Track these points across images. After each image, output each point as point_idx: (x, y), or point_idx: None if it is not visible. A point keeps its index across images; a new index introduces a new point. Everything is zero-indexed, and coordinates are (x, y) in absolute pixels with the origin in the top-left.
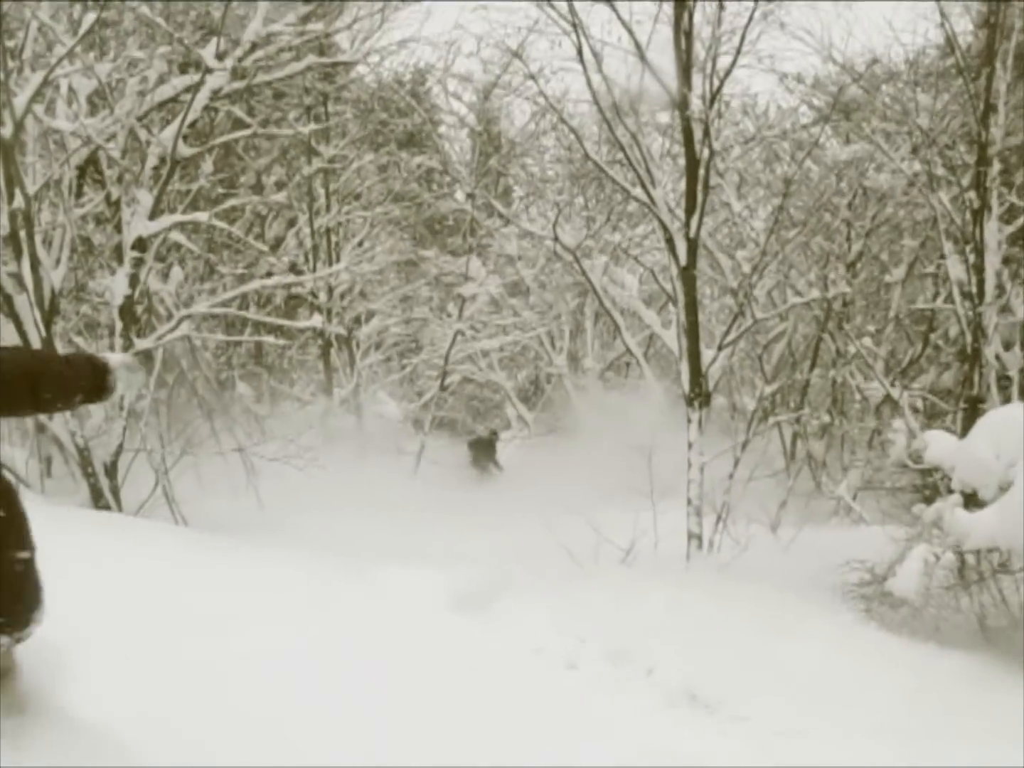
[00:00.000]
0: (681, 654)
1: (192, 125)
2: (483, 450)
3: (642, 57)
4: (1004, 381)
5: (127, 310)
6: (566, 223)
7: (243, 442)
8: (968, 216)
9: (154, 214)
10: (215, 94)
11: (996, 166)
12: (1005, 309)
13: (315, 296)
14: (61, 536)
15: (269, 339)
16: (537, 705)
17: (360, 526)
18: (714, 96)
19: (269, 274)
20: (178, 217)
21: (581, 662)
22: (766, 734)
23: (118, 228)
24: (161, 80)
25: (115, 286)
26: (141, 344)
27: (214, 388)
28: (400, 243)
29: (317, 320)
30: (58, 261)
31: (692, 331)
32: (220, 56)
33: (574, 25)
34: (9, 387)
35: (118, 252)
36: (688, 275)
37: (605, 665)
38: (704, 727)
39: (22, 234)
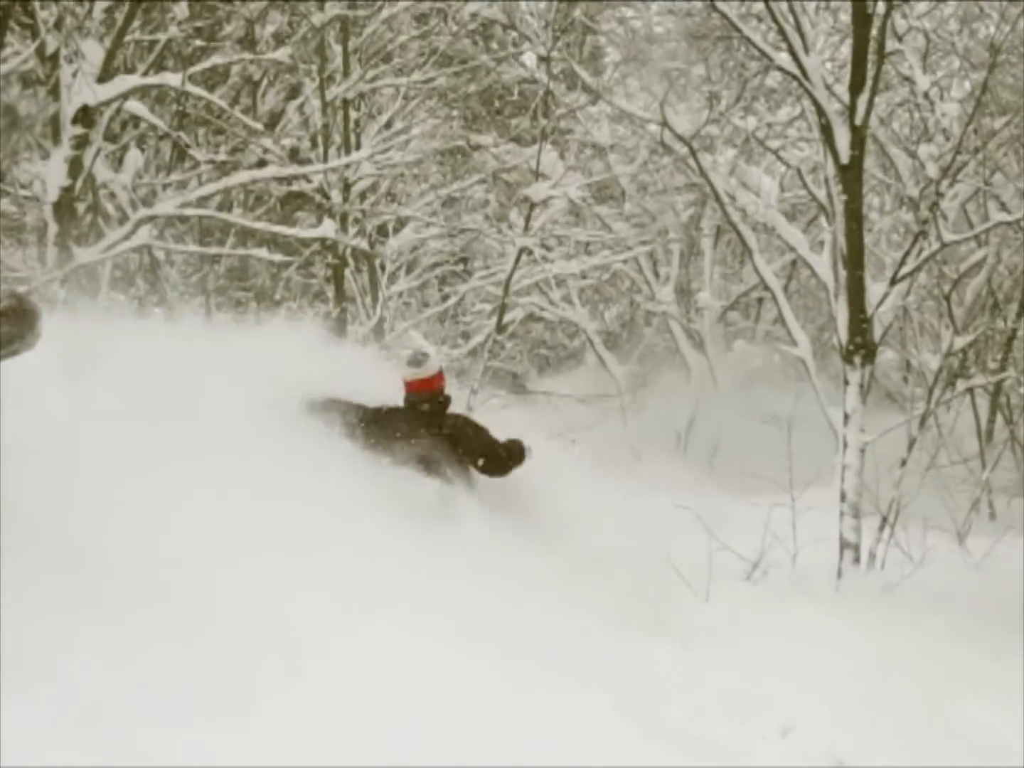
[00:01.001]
0: (827, 709)
1: None
2: None
3: None
4: None
5: (65, 208)
6: (679, 102)
7: None
8: None
9: (105, 75)
10: None
11: None
12: None
13: (325, 195)
14: None
15: (259, 253)
16: None
17: (380, 521)
18: None
19: (262, 163)
20: (138, 80)
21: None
22: None
23: (55, 94)
24: None
25: (49, 174)
26: (83, 255)
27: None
28: (445, 124)
29: (327, 228)
30: None
31: (854, 257)
32: None
33: None
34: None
35: (54, 127)
36: (851, 178)
37: (723, 721)
38: None
39: None
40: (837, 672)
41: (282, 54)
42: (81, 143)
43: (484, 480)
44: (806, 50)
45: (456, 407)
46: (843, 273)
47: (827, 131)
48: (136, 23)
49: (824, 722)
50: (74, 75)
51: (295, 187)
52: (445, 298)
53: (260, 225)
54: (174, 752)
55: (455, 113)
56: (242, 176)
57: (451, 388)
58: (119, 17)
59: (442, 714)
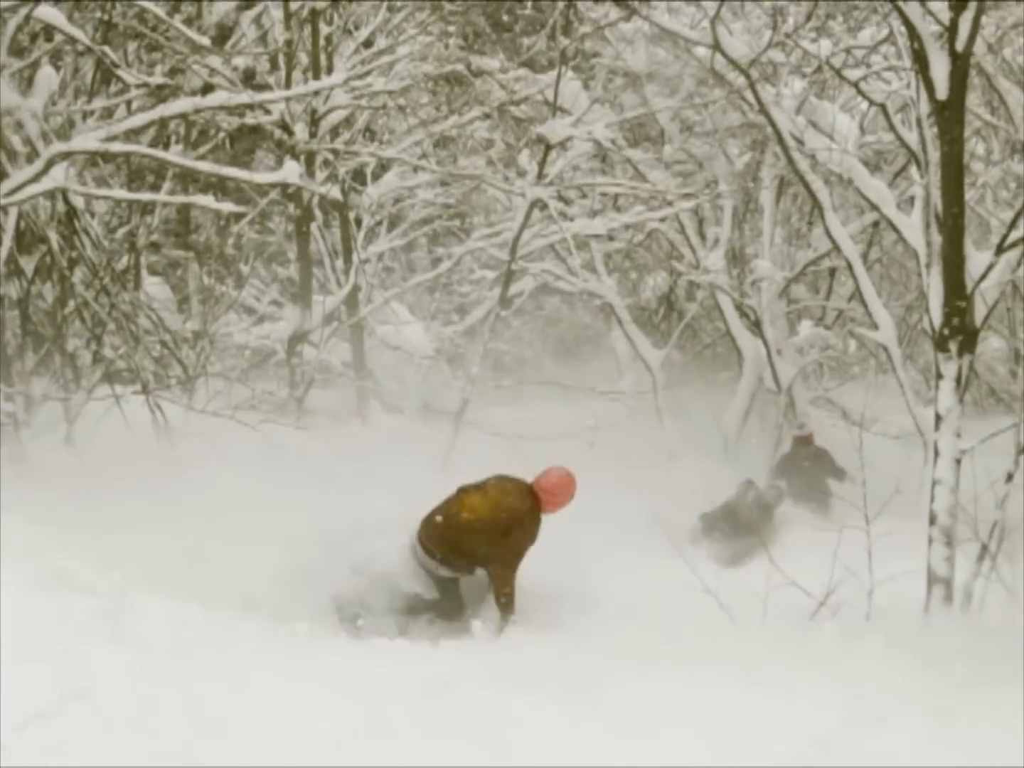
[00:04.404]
0: None
1: None
2: None
3: None
4: None
5: None
6: (734, 19)
7: (150, 380)
8: None
9: None
10: None
11: None
12: None
13: (287, 130)
14: None
15: (204, 201)
16: None
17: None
18: None
19: (208, 88)
20: None
21: None
22: None
23: None
24: None
25: None
26: None
27: (104, 284)
28: (440, 43)
29: (290, 172)
30: None
31: (952, 218)
32: None
33: None
34: None
35: None
36: (950, 118)
37: None
38: None
39: None
40: (910, 742)
41: None
42: None
43: None
44: None
45: (451, 399)
46: (938, 238)
47: (921, 59)
48: None
49: None
50: None
51: (250, 119)
52: (436, 262)
53: (205, 167)
54: None
55: (452, 29)
56: (183, 104)
57: (443, 374)
58: None
59: None
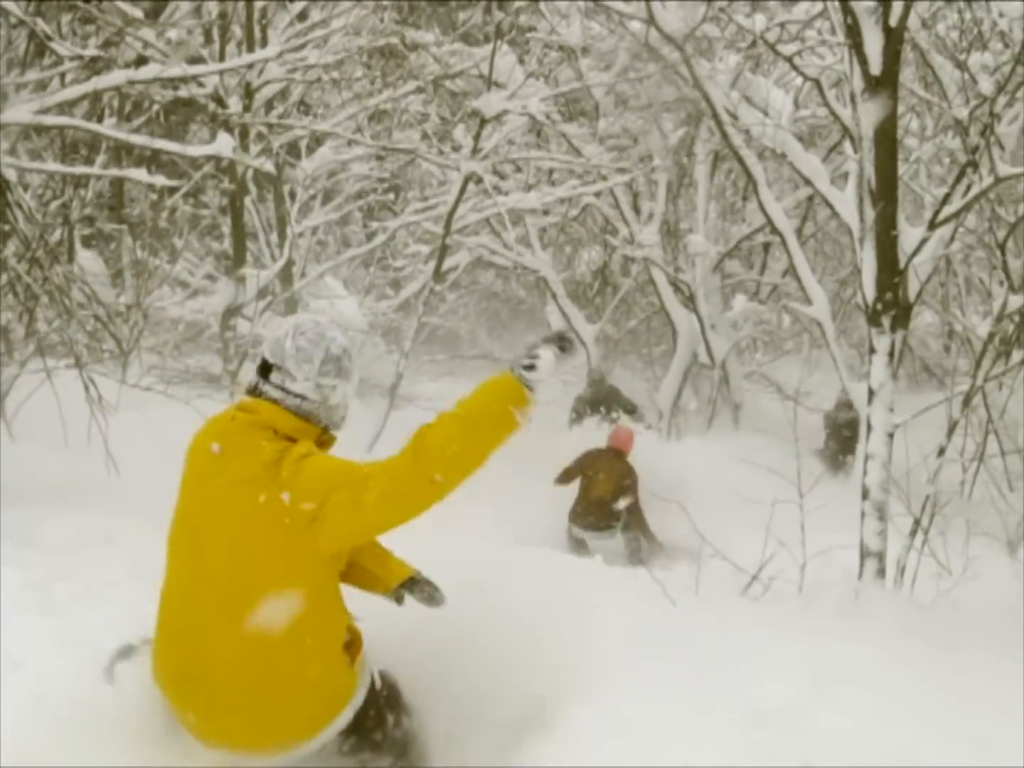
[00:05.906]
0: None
1: None
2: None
3: None
4: None
5: None
6: None
7: (84, 354)
8: None
9: None
10: None
11: None
12: None
13: (221, 104)
14: None
15: (137, 175)
16: None
17: None
18: None
19: (141, 61)
20: None
21: None
22: None
23: None
24: None
25: None
26: None
27: (37, 257)
28: (375, 17)
29: (223, 145)
30: None
31: (886, 193)
32: None
33: None
34: None
35: None
36: (883, 94)
37: None
38: None
39: None
40: (855, 720)
41: None
42: None
43: None
44: None
45: (385, 373)
46: (871, 213)
47: (854, 33)
48: None
49: None
50: None
51: (183, 92)
52: (371, 236)
53: (139, 140)
54: None
55: (387, 2)
56: (117, 77)
57: (377, 349)
58: None
59: None
